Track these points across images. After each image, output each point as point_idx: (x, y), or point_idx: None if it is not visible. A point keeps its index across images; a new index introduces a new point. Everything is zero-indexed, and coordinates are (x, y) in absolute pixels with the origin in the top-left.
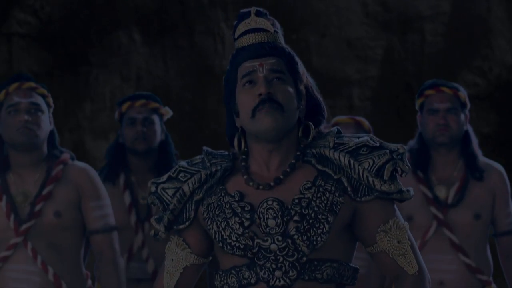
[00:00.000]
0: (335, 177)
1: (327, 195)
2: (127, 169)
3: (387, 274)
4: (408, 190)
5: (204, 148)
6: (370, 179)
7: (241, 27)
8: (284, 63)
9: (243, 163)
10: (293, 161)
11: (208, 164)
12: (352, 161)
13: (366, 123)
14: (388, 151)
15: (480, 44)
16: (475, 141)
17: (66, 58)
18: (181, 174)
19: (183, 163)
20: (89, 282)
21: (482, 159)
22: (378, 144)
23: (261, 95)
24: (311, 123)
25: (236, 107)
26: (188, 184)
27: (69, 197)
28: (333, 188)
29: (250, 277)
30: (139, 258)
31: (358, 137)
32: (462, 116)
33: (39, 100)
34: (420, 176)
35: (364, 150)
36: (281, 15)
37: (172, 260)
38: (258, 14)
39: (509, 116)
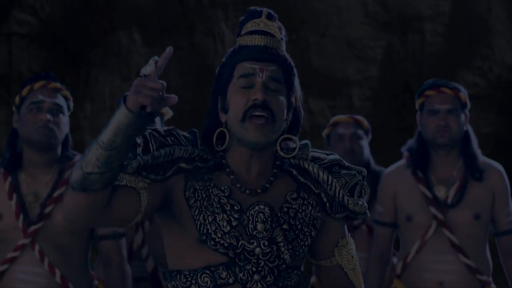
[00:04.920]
0: (316, 191)
1: (310, 208)
2: None
3: None
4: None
5: (196, 131)
6: (345, 198)
7: (249, 26)
8: (282, 72)
9: (223, 161)
10: (274, 170)
11: (199, 147)
12: (330, 178)
13: (365, 122)
14: (355, 172)
15: (480, 44)
16: (475, 141)
17: (66, 58)
18: (171, 137)
19: (175, 128)
20: (96, 282)
21: (481, 158)
22: (347, 165)
23: (256, 101)
24: (296, 138)
25: (225, 103)
26: (180, 149)
27: None
28: (314, 203)
29: (228, 277)
30: (139, 257)
31: (327, 154)
32: (462, 117)
33: (62, 102)
34: (420, 176)
35: (336, 168)
36: (281, 15)
37: (127, 182)
38: (269, 17)
39: (509, 116)
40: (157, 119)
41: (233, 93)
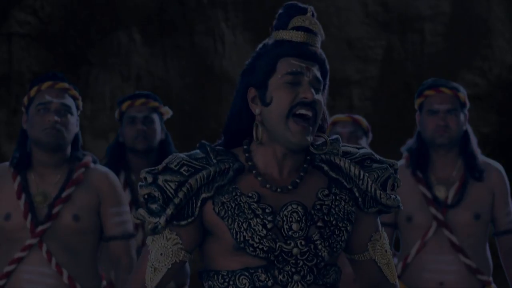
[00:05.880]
0: (348, 186)
1: (343, 204)
2: (127, 168)
3: (367, 282)
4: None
5: (206, 143)
6: (378, 192)
7: (295, 21)
8: (321, 73)
9: (249, 162)
10: (305, 165)
11: (214, 161)
12: (362, 172)
13: (364, 121)
14: (387, 165)
15: (480, 44)
16: (474, 141)
17: (66, 58)
18: (184, 167)
19: (183, 156)
20: (104, 283)
21: (481, 158)
22: (378, 158)
23: (306, 99)
24: (325, 135)
25: (265, 96)
26: (196, 179)
27: (89, 202)
28: (347, 198)
29: (267, 279)
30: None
31: (358, 148)
32: (462, 116)
33: (70, 102)
34: (419, 176)
35: (368, 162)
36: None
37: (161, 254)
38: (312, 15)
39: (509, 116)
40: (157, 118)
41: (278, 88)
